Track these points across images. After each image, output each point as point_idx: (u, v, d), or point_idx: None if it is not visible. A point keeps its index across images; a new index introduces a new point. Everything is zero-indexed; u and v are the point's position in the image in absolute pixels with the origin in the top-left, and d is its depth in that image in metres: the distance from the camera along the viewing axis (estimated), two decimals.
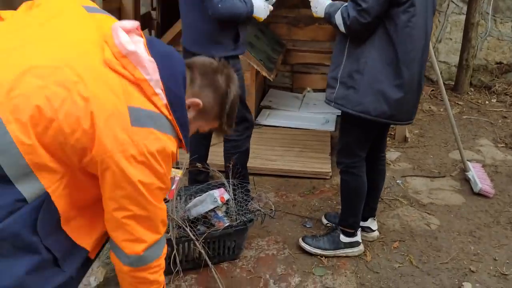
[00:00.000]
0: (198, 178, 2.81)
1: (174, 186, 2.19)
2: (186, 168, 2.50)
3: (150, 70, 1.21)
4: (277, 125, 4.07)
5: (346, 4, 2.12)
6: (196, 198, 2.40)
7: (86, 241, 1.30)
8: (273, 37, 4.66)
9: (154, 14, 4.41)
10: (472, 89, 5.09)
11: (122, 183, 1.19)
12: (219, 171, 2.62)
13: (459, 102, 4.78)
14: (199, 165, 2.57)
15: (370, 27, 2.06)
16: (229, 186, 2.46)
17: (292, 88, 4.95)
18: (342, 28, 2.12)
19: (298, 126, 4.04)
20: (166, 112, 1.25)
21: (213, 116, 1.43)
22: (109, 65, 1.18)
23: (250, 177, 2.90)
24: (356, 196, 2.39)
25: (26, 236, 1.13)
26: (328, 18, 2.21)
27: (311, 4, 2.33)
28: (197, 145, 2.73)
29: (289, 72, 4.94)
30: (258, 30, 4.41)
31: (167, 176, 1.28)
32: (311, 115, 4.33)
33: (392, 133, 3.84)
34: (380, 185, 2.56)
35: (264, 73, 3.69)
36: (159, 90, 1.23)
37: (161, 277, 1.43)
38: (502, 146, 3.84)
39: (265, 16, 2.55)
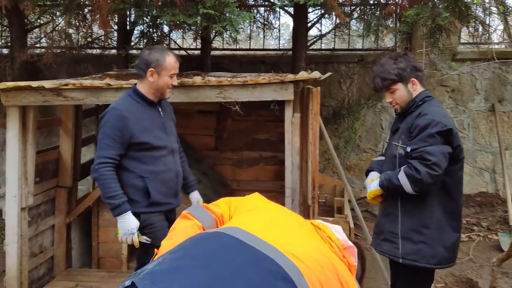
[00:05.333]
0: None
1: None
2: None
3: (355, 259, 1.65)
4: None
5: (404, 167, 2.18)
6: None
7: None
8: (218, 178, 4.81)
9: None
10: None
11: None
12: None
13: None
14: None
15: (439, 180, 2.15)
16: None
17: None
18: (408, 187, 2.15)
19: None
20: None
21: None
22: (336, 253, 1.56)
23: None
24: None
25: None
26: (388, 184, 2.23)
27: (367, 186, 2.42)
28: None
29: None
30: (201, 174, 4.56)
31: None
32: None
33: None
34: None
35: None
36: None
37: None
38: None
39: (123, 240, 2.43)
